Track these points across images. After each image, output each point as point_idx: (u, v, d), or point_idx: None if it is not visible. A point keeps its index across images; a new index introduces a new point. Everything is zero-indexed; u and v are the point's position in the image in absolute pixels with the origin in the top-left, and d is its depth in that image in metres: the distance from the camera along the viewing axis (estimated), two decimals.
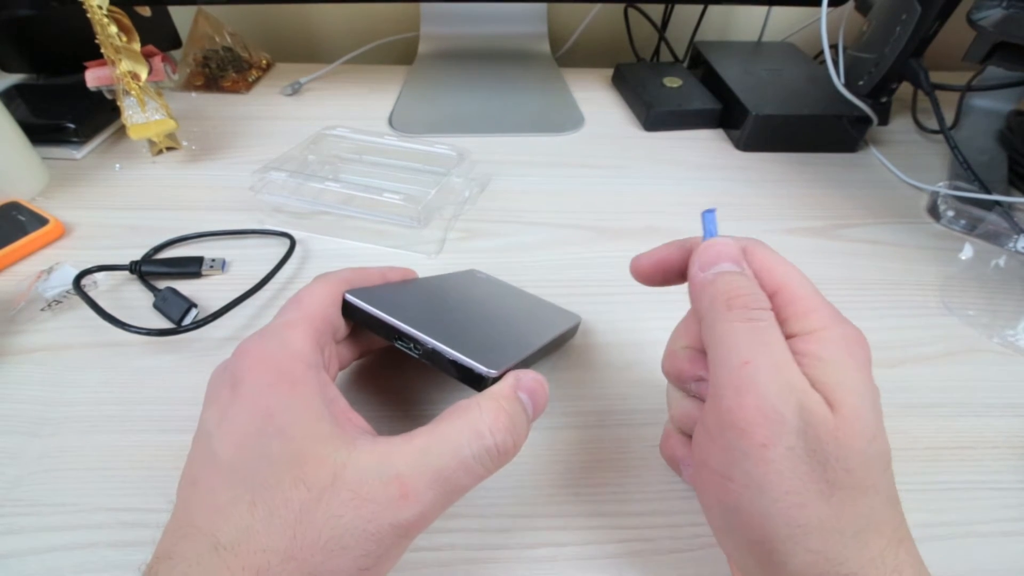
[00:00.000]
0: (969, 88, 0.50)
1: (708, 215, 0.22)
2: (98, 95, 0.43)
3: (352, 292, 0.23)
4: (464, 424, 0.18)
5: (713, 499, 0.19)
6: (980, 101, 0.53)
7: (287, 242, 0.37)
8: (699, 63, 0.59)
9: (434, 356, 0.22)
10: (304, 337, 0.20)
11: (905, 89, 0.52)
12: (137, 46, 0.41)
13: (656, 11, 0.67)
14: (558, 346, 0.31)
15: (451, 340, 0.22)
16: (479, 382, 0.21)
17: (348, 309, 0.23)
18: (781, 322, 0.19)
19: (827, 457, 0.16)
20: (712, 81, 0.55)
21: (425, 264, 0.37)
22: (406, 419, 0.28)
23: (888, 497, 0.17)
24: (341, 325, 0.24)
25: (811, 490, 0.16)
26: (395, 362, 0.30)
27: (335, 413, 0.19)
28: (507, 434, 0.19)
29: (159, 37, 0.57)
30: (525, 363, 0.23)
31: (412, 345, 0.22)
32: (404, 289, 0.27)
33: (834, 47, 0.49)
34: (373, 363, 0.30)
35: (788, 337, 0.18)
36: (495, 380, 0.21)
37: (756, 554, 0.18)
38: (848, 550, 0.16)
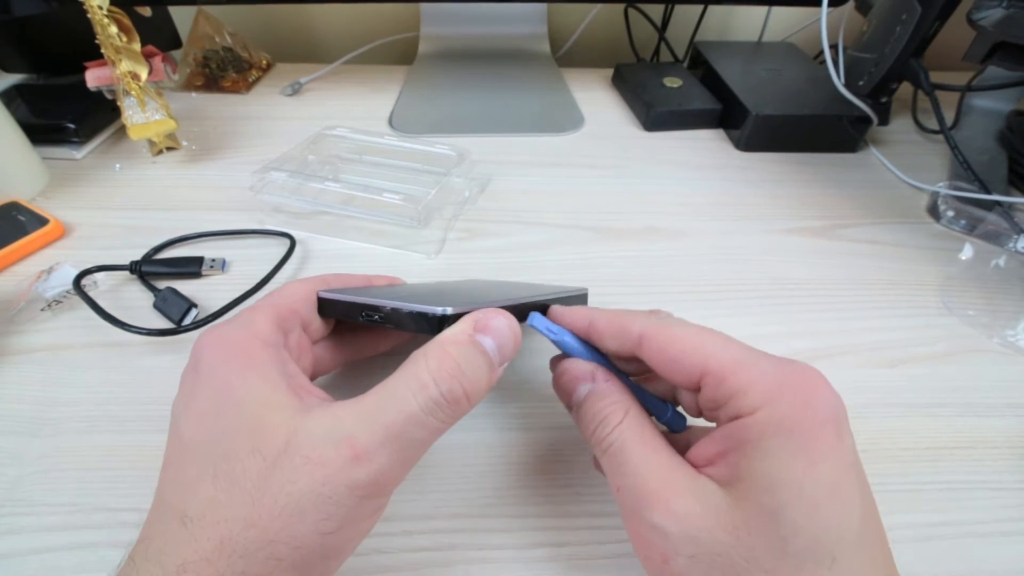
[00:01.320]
0: (969, 88, 0.50)
1: (534, 321, 0.22)
2: (98, 95, 0.43)
3: (326, 291, 0.24)
4: (409, 375, 0.18)
5: None
6: (980, 101, 0.53)
7: (287, 242, 0.37)
8: (699, 63, 0.59)
9: (394, 316, 0.21)
10: (264, 319, 0.21)
11: (905, 89, 0.52)
12: (137, 46, 0.41)
13: (656, 11, 0.67)
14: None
15: (411, 300, 0.21)
16: (435, 325, 0.19)
17: (322, 305, 0.24)
18: (718, 407, 0.18)
19: (735, 560, 0.16)
20: (712, 81, 0.55)
21: (425, 264, 0.37)
22: None
23: None
24: (316, 323, 0.24)
25: None
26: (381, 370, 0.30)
27: (292, 386, 0.19)
28: (453, 381, 0.17)
29: (159, 37, 0.57)
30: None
31: (376, 316, 0.21)
32: (383, 287, 0.27)
33: (834, 47, 0.49)
34: (357, 372, 0.30)
35: (730, 420, 0.17)
36: (452, 321, 0.19)
37: None
38: None
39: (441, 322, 0.19)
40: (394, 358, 0.30)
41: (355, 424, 0.17)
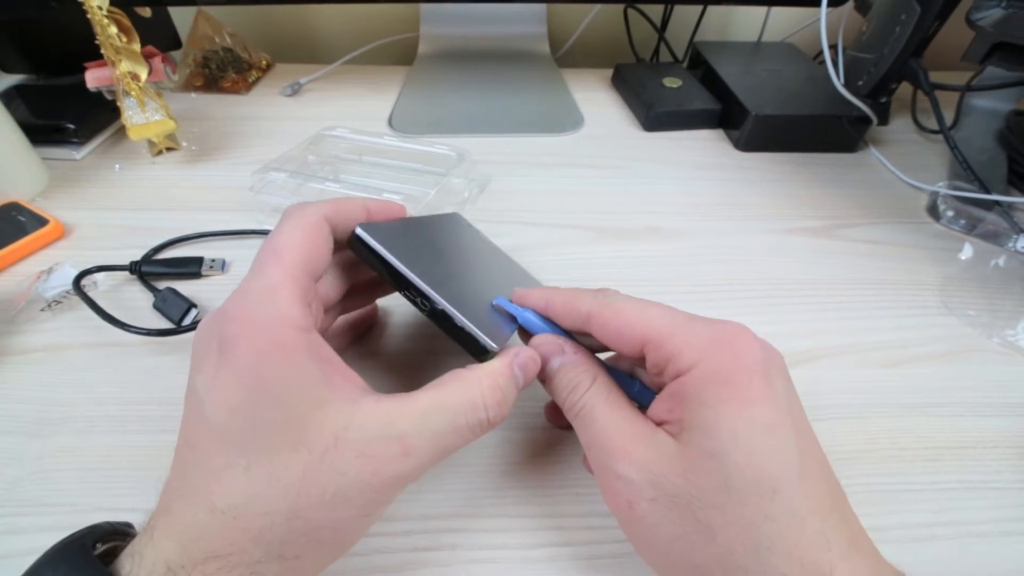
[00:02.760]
0: (969, 88, 0.50)
1: (500, 302, 0.23)
2: (98, 95, 0.43)
3: (365, 228, 0.22)
4: (464, 396, 0.20)
5: (649, 564, 0.20)
6: (980, 101, 0.53)
7: None
8: (699, 63, 0.59)
9: (442, 317, 0.22)
10: (291, 299, 0.19)
11: (905, 89, 0.52)
12: (137, 47, 0.41)
13: (656, 11, 0.67)
14: None
15: (460, 305, 0.22)
16: (482, 354, 0.22)
17: (358, 245, 0.22)
18: (661, 371, 0.20)
19: (689, 500, 0.17)
20: (712, 81, 0.55)
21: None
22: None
23: (792, 518, 0.16)
24: (321, 266, 0.22)
25: (692, 532, 0.17)
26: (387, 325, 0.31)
27: (330, 374, 0.19)
28: (499, 408, 0.20)
29: (159, 38, 0.56)
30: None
31: (420, 300, 0.22)
32: (406, 231, 0.25)
33: (834, 47, 0.49)
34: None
35: (672, 379, 0.19)
36: (495, 354, 0.22)
37: None
38: None
39: (487, 354, 0.22)
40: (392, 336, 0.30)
41: (408, 425, 0.18)
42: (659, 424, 0.20)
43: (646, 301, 0.21)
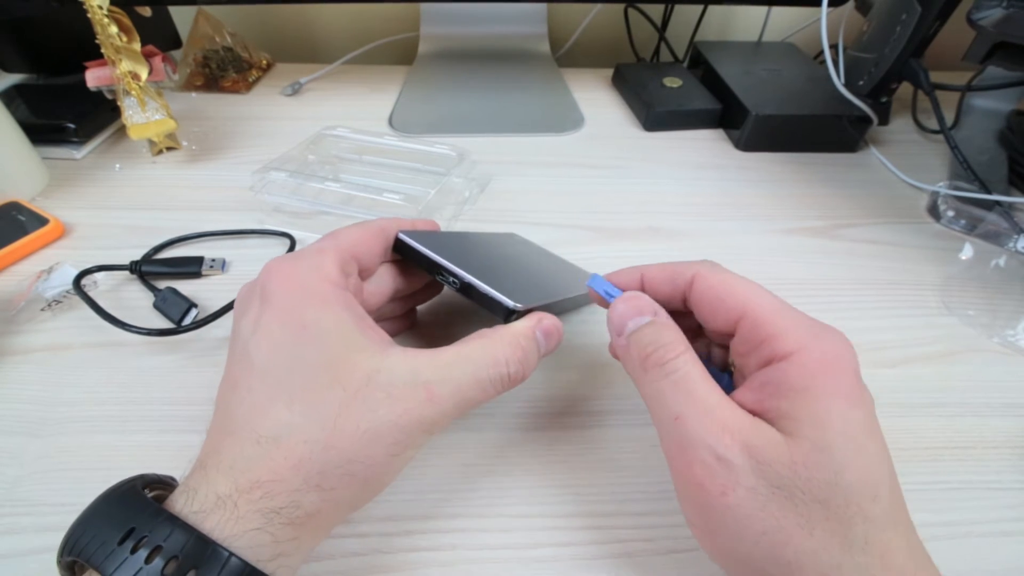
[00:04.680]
0: (969, 88, 0.50)
1: (595, 281, 0.23)
2: (98, 95, 0.43)
3: (405, 232, 0.25)
4: (486, 351, 0.21)
5: (711, 554, 0.19)
6: (980, 101, 0.53)
7: (287, 242, 0.37)
8: (699, 63, 0.59)
9: (469, 289, 0.24)
10: (331, 262, 0.22)
11: (905, 89, 0.52)
12: (137, 46, 0.41)
13: (656, 11, 0.67)
14: (585, 303, 0.33)
15: (485, 277, 0.24)
16: (506, 314, 0.23)
17: (399, 246, 0.26)
18: (751, 350, 0.19)
19: (793, 491, 0.16)
20: (712, 81, 0.55)
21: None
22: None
23: (887, 522, 0.17)
24: (371, 266, 0.25)
25: (788, 526, 0.17)
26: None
27: (362, 325, 0.20)
28: (520, 365, 0.21)
29: (159, 37, 0.57)
30: (550, 308, 0.25)
31: (451, 279, 0.24)
32: (448, 236, 0.29)
33: (834, 47, 0.49)
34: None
35: (761, 366, 0.18)
36: (520, 315, 0.23)
37: None
38: None
39: (511, 313, 0.23)
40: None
41: (433, 374, 0.20)
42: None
43: (752, 281, 0.21)
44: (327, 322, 0.20)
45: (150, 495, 0.18)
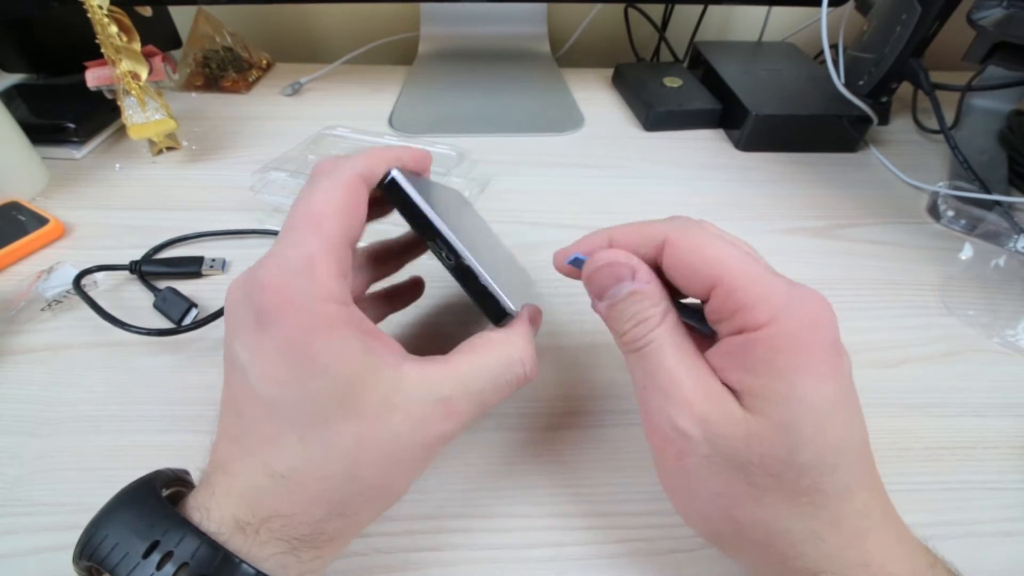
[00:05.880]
0: (969, 88, 0.50)
1: (574, 261, 0.22)
2: (98, 95, 0.43)
3: (401, 171, 0.21)
4: (501, 355, 0.21)
5: (680, 514, 0.20)
6: (980, 101, 0.53)
7: None
8: (699, 63, 0.59)
9: (466, 273, 0.21)
10: (329, 273, 0.18)
11: (905, 89, 0.52)
12: (137, 46, 0.41)
13: (656, 11, 0.67)
14: None
15: (484, 265, 0.22)
16: (501, 316, 0.22)
17: (392, 188, 0.21)
18: (724, 318, 0.18)
19: (746, 464, 0.17)
20: (712, 81, 0.55)
21: (426, 263, 0.37)
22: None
23: (844, 492, 0.17)
24: (359, 231, 0.21)
25: (738, 492, 0.17)
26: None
27: (371, 344, 0.19)
28: (533, 363, 0.21)
29: (159, 37, 0.56)
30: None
31: (446, 253, 0.21)
32: (431, 188, 0.25)
33: (834, 47, 0.49)
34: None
35: (732, 333, 0.18)
36: (512, 318, 0.22)
37: (724, 549, 0.20)
38: (803, 546, 0.17)
39: (507, 316, 0.22)
40: None
41: (451, 388, 0.19)
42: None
43: (728, 240, 0.19)
44: (335, 351, 0.18)
45: (167, 493, 0.18)
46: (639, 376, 0.20)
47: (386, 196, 0.22)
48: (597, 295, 0.21)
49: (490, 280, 0.21)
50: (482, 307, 0.22)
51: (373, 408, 0.18)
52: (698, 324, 0.20)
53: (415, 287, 0.31)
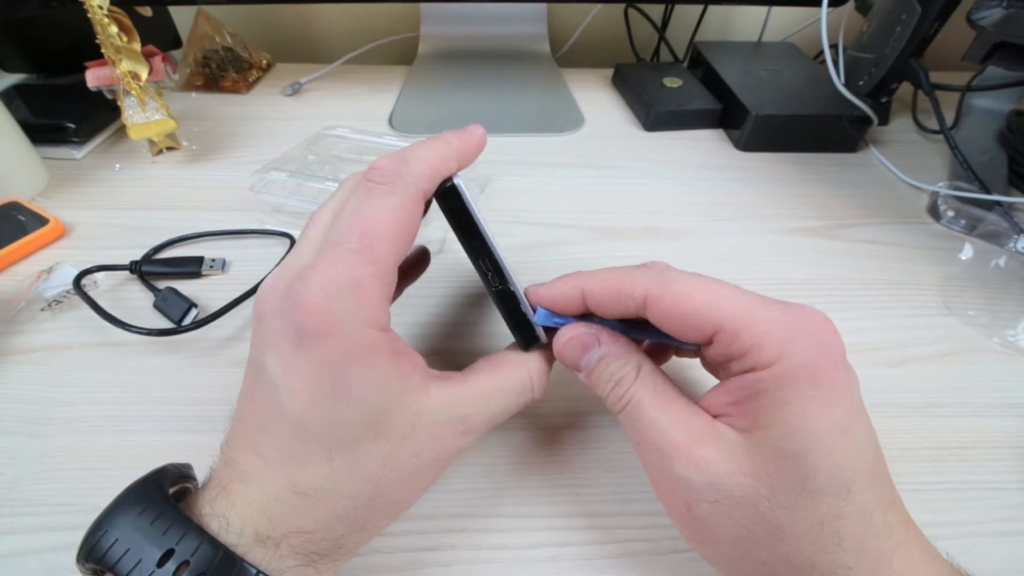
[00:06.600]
0: (969, 88, 0.50)
1: (540, 317, 0.22)
2: (98, 95, 0.43)
3: (462, 182, 0.21)
4: (517, 380, 0.21)
5: (704, 557, 0.20)
6: (980, 101, 0.53)
7: (287, 242, 0.37)
8: (699, 63, 0.59)
9: (506, 298, 0.21)
10: (377, 300, 0.18)
11: (905, 89, 0.52)
12: (137, 46, 0.41)
13: (656, 11, 0.67)
14: None
15: (518, 288, 0.22)
16: (532, 342, 0.22)
17: (450, 196, 0.21)
18: (731, 360, 0.18)
19: (757, 501, 0.17)
20: (712, 81, 0.55)
21: None
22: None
23: (862, 513, 0.17)
24: (407, 251, 0.20)
25: (757, 532, 0.17)
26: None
27: (403, 366, 0.19)
28: (543, 390, 0.22)
29: (159, 37, 0.57)
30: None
31: (492, 276, 0.21)
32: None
33: (834, 47, 0.49)
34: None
35: (741, 372, 0.18)
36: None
37: None
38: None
39: (536, 344, 0.22)
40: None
41: (470, 407, 0.20)
42: (717, 416, 0.19)
43: (711, 280, 0.19)
44: (373, 379, 0.18)
45: (172, 490, 0.18)
46: (632, 434, 0.20)
47: (437, 200, 0.21)
48: (572, 368, 0.22)
49: (529, 309, 0.22)
50: (512, 327, 0.22)
51: (400, 430, 0.18)
52: (676, 343, 0.20)
53: (424, 257, 0.29)
